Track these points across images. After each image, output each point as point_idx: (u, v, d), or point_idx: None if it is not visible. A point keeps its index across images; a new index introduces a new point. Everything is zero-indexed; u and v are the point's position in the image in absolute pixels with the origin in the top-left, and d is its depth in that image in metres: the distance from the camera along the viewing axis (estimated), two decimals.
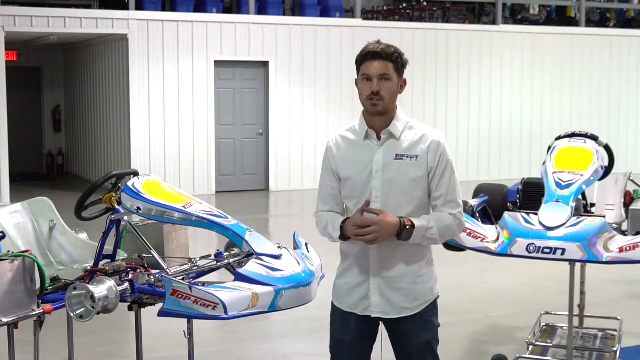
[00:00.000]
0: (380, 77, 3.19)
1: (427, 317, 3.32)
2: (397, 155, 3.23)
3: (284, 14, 15.19)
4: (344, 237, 3.24)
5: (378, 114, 3.23)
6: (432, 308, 3.34)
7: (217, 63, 14.18)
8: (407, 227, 3.15)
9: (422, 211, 3.26)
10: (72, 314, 3.29)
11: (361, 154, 3.27)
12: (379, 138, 3.26)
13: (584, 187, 4.84)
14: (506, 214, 4.58)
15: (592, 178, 4.92)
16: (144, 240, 3.84)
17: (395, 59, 3.21)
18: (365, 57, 3.22)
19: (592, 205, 5.39)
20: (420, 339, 3.30)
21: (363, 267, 3.28)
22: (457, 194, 3.30)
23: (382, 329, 3.38)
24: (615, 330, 5.54)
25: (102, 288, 3.26)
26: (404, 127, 3.28)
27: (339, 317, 3.38)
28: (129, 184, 3.94)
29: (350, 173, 3.27)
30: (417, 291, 3.29)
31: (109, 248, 3.97)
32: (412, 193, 3.24)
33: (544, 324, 5.74)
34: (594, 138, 5.22)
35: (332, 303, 3.42)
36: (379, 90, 3.19)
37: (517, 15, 17.29)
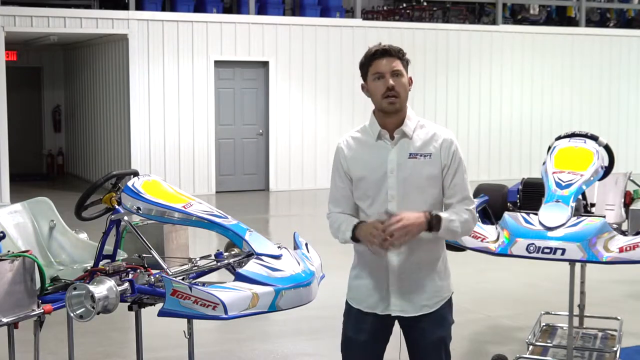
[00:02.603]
0: (393, 73, 3.18)
1: (443, 314, 3.34)
2: (410, 154, 3.23)
3: (284, 14, 15.19)
4: (355, 238, 3.22)
5: (395, 111, 3.22)
6: (448, 305, 3.37)
7: (217, 63, 14.18)
8: (434, 216, 3.15)
9: (437, 208, 3.27)
10: (72, 314, 3.28)
11: (374, 154, 3.26)
12: (391, 138, 3.26)
13: (584, 187, 4.84)
14: (506, 214, 4.58)
15: (592, 178, 4.91)
16: (144, 240, 3.84)
17: (401, 56, 3.23)
18: (373, 56, 3.21)
19: (592, 205, 5.38)
20: (435, 336, 3.32)
21: (381, 267, 3.27)
22: (469, 190, 3.32)
23: (397, 327, 3.39)
24: (615, 330, 5.54)
25: (102, 288, 3.26)
26: (416, 125, 3.28)
27: (354, 316, 3.36)
28: (129, 184, 3.94)
29: (364, 173, 3.26)
30: (436, 288, 3.31)
31: (109, 248, 3.97)
32: (428, 191, 3.24)
33: (544, 324, 5.74)
34: (594, 138, 5.21)
35: (347, 303, 3.40)
36: (394, 85, 3.17)
37: (517, 15, 17.29)
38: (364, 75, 3.27)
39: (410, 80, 3.27)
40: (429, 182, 3.23)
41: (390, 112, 3.22)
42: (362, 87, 3.30)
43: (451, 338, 3.39)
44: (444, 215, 3.18)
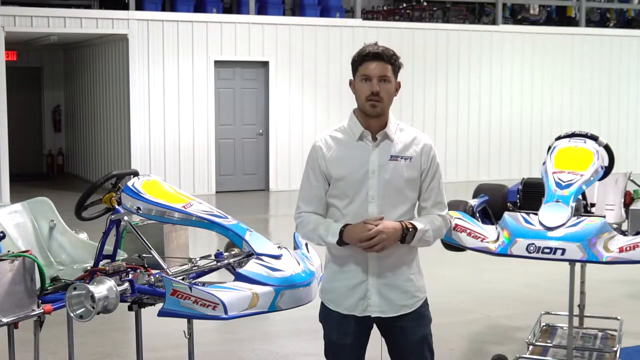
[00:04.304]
0: (380, 78, 3.20)
1: (423, 312, 3.37)
2: (391, 156, 3.26)
3: (284, 14, 15.19)
4: (341, 242, 3.22)
5: (377, 115, 3.25)
6: (426, 303, 3.41)
7: (217, 63, 14.18)
8: (410, 229, 3.20)
9: (413, 211, 3.32)
10: (72, 314, 3.29)
11: (356, 154, 3.27)
12: (374, 139, 3.28)
13: (584, 187, 4.84)
14: (506, 214, 4.58)
15: (592, 178, 4.91)
16: (144, 240, 3.84)
17: (393, 62, 3.24)
18: (365, 57, 3.22)
19: (592, 205, 5.39)
20: (418, 334, 3.35)
21: (360, 267, 3.28)
22: (444, 196, 3.38)
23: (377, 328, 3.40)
24: (615, 330, 5.54)
25: (102, 288, 3.27)
26: (396, 129, 3.32)
27: (336, 320, 3.35)
28: (129, 184, 3.94)
29: (344, 173, 3.27)
30: (413, 288, 3.33)
31: (109, 248, 3.97)
32: (406, 193, 3.28)
33: (544, 324, 5.74)
34: (594, 138, 5.21)
35: (325, 306, 3.38)
36: (378, 91, 3.20)
37: (517, 15, 17.29)
38: (354, 72, 3.28)
39: (398, 85, 3.29)
40: (408, 184, 3.27)
41: (371, 115, 3.25)
42: (350, 83, 3.32)
43: (432, 335, 3.41)
44: (419, 226, 3.23)
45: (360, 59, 3.23)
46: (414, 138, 3.30)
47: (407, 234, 3.19)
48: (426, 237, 3.25)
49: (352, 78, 3.30)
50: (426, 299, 3.41)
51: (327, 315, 3.39)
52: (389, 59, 3.22)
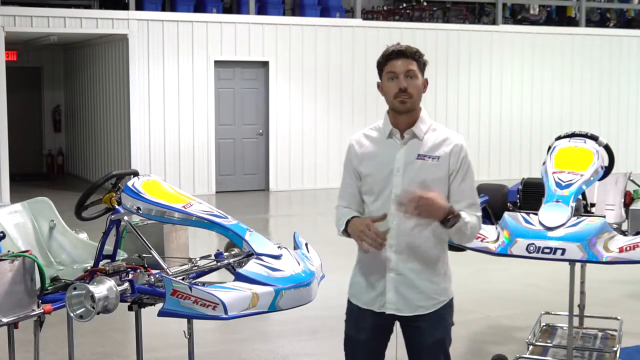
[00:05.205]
0: (406, 74, 3.21)
1: (442, 316, 3.32)
2: (419, 155, 3.25)
3: (284, 14, 15.19)
4: (347, 232, 3.23)
5: (407, 111, 3.25)
6: (448, 307, 3.35)
7: (217, 63, 14.18)
8: (455, 213, 3.14)
9: None
10: (72, 314, 3.29)
11: (383, 152, 3.28)
12: (402, 137, 3.28)
13: (584, 187, 4.84)
14: (506, 214, 4.58)
15: (592, 178, 4.92)
16: (144, 240, 3.84)
17: (417, 58, 3.26)
18: (389, 56, 3.24)
19: (592, 205, 5.39)
20: (434, 337, 3.31)
21: (380, 263, 3.27)
22: (477, 197, 3.33)
23: (397, 328, 3.38)
24: (615, 330, 5.54)
25: (102, 288, 3.27)
26: (428, 128, 3.31)
27: (354, 314, 3.37)
28: (129, 184, 3.94)
29: (371, 169, 3.28)
30: (433, 290, 3.29)
31: (109, 248, 3.97)
32: None
33: (544, 324, 5.74)
34: (594, 138, 5.22)
35: (349, 300, 3.41)
36: (406, 87, 3.20)
37: (517, 15, 17.29)
38: (380, 73, 3.30)
39: (426, 82, 3.31)
40: (434, 184, 3.22)
41: (401, 111, 3.25)
42: (378, 86, 3.33)
43: (451, 340, 3.38)
44: (463, 214, 3.17)
45: (385, 59, 3.25)
46: (446, 138, 3.30)
47: (449, 216, 3.10)
48: (465, 229, 3.17)
49: (379, 80, 3.31)
50: (449, 302, 3.34)
51: (349, 309, 3.41)
52: (413, 55, 3.24)
